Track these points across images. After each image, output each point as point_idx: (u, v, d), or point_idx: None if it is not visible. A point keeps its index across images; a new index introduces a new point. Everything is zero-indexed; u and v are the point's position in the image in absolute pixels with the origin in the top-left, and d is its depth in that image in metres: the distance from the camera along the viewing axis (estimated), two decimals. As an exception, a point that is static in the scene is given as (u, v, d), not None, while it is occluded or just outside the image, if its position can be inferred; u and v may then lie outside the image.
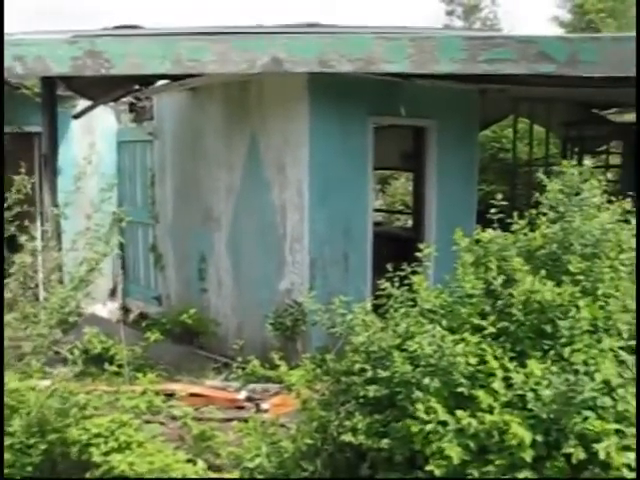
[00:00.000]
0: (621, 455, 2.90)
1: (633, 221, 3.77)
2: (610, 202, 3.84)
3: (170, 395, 4.85)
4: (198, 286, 8.52)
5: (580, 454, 2.91)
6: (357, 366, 3.66)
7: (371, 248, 7.47)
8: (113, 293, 10.37)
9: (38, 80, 7.74)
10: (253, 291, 7.68)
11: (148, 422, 4.53)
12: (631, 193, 4.06)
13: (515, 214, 3.90)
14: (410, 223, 11.40)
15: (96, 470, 3.87)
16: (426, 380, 3.26)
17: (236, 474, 4.05)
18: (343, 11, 37.19)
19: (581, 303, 3.35)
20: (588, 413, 2.97)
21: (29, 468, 3.98)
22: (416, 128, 8.20)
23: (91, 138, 9.05)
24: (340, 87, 6.81)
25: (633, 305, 3.40)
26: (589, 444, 2.93)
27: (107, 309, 9.99)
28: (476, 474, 3.04)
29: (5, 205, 5.53)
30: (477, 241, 3.85)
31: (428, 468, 3.12)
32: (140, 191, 9.89)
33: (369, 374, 3.56)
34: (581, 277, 3.51)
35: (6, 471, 3.87)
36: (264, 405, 5.62)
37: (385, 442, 3.35)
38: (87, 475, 3.92)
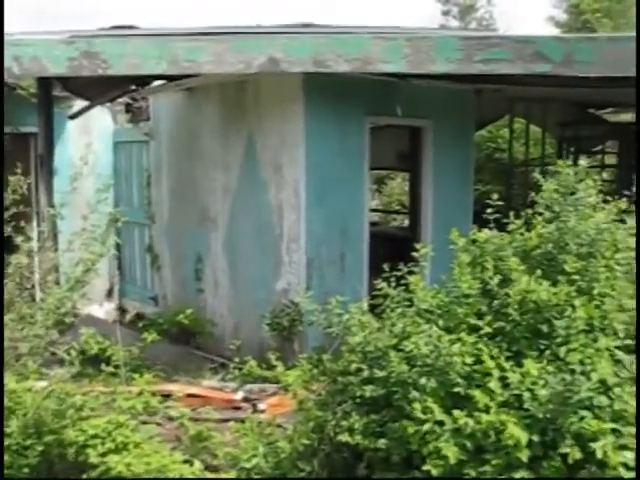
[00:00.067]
0: (618, 454, 2.90)
1: (629, 221, 3.78)
2: (606, 202, 3.85)
3: (167, 396, 4.84)
4: (195, 286, 8.52)
5: (576, 454, 2.92)
6: (354, 366, 3.66)
7: (367, 248, 7.48)
8: (109, 294, 10.36)
9: (34, 81, 7.73)
10: (250, 291, 7.68)
11: (145, 423, 4.53)
12: (627, 192, 4.07)
13: (511, 214, 3.91)
14: (406, 223, 11.40)
15: (93, 471, 3.87)
16: (423, 380, 3.27)
17: (233, 474, 4.05)
18: (339, 11, 37.25)
19: (577, 303, 3.36)
20: (584, 413, 2.97)
21: (26, 469, 3.97)
22: (412, 128, 8.21)
23: (87, 139, 9.03)
24: (336, 87, 6.81)
25: (629, 304, 3.40)
26: (585, 444, 2.94)
27: (103, 310, 9.98)
28: (473, 474, 3.05)
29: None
30: (473, 241, 3.85)
31: (425, 468, 3.12)
32: (136, 191, 9.88)
33: (366, 374, 3.57)
34: (577, 277, 3.51)
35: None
36: (261, 405, 5.62)
37: (382, 442, 3.36)
38: (84, 476, 3.92)
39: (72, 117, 9.45)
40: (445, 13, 27.09)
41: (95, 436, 3.94)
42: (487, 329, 3.39)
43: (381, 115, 7.46)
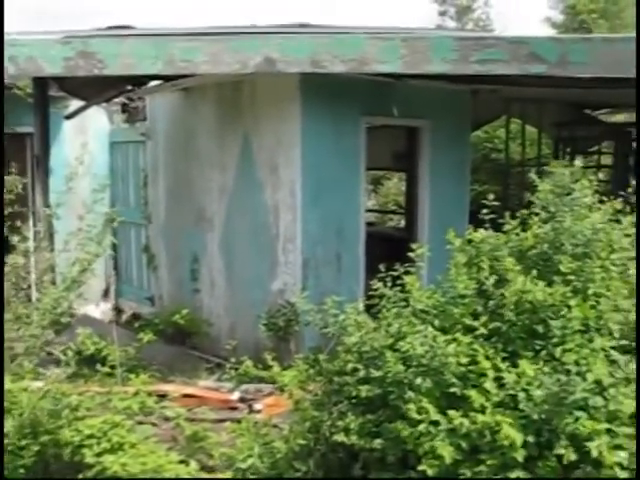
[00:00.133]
0: (613, 454, 2.91)
1: (624, 221, 3.79)
2: (601, 202, 3.86)
3: (163, 396, 4.84)
4: (191, 286, 8.51)
5: (571, 455, 2.92)
6: (350, 366, 3.66)
7: (364, 248, 7.48)
8: (106, 294, 10.35)
9: (30, 80, 7.71)
10: (246, 291, 7.68)
11: (141, 423, 4.52)
12: (622, 193, 4.08)
13: (507, 214, 3.92)
14: (403, 223, 11.41)
15: (89, 471, 3.86)
16: (418, 380, 3.27)
17: (229, 475, 4.05)
18: (337, 11, 37.25)
19: (572, 303, 3.37)
20: (580, 413, 2.98)
21: (21, 470, 3.96)
22: (408, 128, 8.21)
23: (83, 139, 9.01)
24: (333, 87, 6.81)
25: (624, 304, 3.42)
26: (581, 444, 2.94)
27: (100, 310, 9.97)
28: (468, 474, 3.06)
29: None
30: (469, 241, 3.86)
31: (420, 468, 3.12)
32: (133, 191, 9.87)
33: (361, 374, 3.57)
34: (572, 277, 3.52)
35: (-1, 473, 3.86)
36: (257, 406, 5.62)
37: (377, 442, 3.36)
38: (80, 476, 3.91)
39: (68, 117, 9.44)
40: (442, 14, 27.11)
41: (91, 436, 3.94)
42: (483, 329, 3.40)
43: (377, 115, 7.46)
